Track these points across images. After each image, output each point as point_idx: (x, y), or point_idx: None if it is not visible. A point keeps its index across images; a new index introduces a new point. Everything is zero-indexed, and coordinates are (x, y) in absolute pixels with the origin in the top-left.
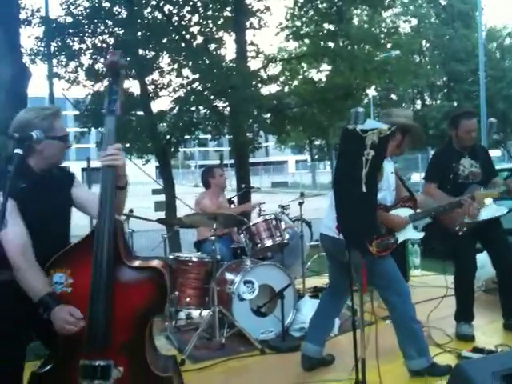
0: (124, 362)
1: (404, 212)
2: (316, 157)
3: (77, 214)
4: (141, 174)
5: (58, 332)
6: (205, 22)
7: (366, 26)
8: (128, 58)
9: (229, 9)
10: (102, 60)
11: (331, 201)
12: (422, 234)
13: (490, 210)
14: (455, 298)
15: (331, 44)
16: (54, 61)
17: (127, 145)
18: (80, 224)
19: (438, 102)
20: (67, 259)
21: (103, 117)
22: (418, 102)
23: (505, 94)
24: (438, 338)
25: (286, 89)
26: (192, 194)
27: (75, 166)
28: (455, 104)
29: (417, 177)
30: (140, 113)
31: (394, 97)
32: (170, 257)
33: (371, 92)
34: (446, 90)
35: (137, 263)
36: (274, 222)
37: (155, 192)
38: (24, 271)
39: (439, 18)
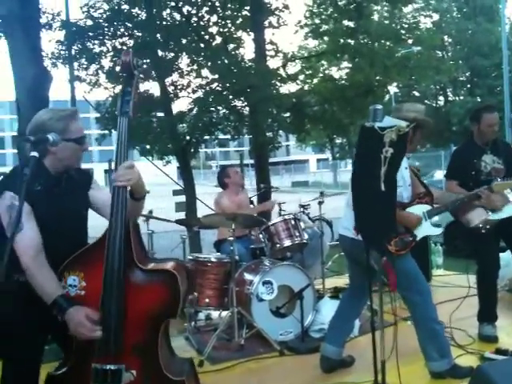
0: (137, 365)
1: (421, 208)
2: (337, 155)
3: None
4: (162, 174)
5: (72, 333)
6: (223, 22)
7: (386, 21)
8: (148, 60)
9: (247, 8)
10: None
11: (348, 200)
12: (439, 230)
13: None
14: (478, 298)
15: (351, 41)
16: (75, 64)
17: (148, 146)
18: (101, 225)
19: (461, 97)
20: (80, 262)
21: None
22: (441, 98)
23: None
24: (461, 338)
25: (306, 87)
26: (213, 194)
27: (98, 168)
28: (478, 99)
29: (440, 174)
30: (160, 114)
31: (416, 93)
32: (189, 257)
33: (392, 89)
34: (469, 86)
35: (150, 266)
36: (292, 221)
37: (176, 193)
38: (36, 274)
39: (461, 13)
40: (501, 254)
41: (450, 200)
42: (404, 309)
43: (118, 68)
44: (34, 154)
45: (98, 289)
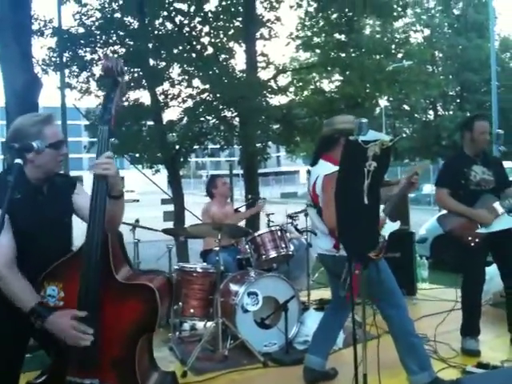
0: (113, 380)
1: None
2: None
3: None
4: (151, 183)
5: (61, 339)
6: (215, 33)
7: (377, 36)
8: (139, 69)
9: (239, 19)
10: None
11: (319, 219)
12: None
13: (503, 221)
14: (462, 312)
15: (342, 54)
16: (66, 71)
17: (137, 155)
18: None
19: (451, 112)
20: (60, 272)
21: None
22: (431, 112)
23: None
24: (444, 352)
25: (296, 99)
26: (202, 204)
27: (87, 176)
28: (468, 114)
29: (428, 188)
30: (150, 123)
31: (406, 107)
32: (175, 267)
33: (383, 102)
34: (458, 100)
35: (129, 279)
36: (279, 233)
37: (164, 202)
38: (12, 282)
39: (452, 28)
40: (486, 269)
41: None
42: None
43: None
44: (18, 161)
45: (75, 300)
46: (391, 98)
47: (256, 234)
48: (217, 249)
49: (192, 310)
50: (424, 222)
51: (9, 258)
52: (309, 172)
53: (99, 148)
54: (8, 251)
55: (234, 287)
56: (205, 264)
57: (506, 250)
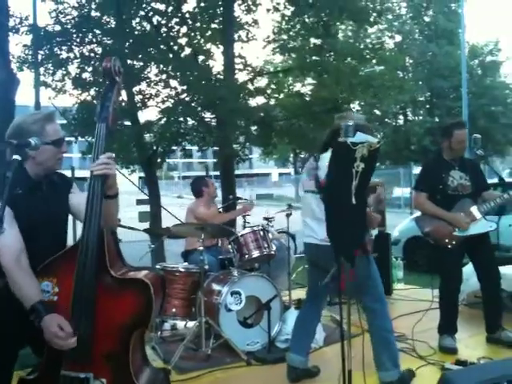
0: (107, 374)
1: None
2: (300, 170)
3: None
4: (126, 183)
5: (47, 342)
6: (193, 34)
7: (351, 40)
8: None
9: (217, 21)
10: (89, 69)
11: (313, 212)
12: None
13: (480, 225)
14: (439, 311)
15: (317, 58)
16: (41, 69)
17: (113, 155)
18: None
19: (421, 117)
20: (54, 267)
21: (90, 126)
22: (401, 117)
23: (486, 111)
24: (422, 350)
25: (273, 101)
26: (175, 206)
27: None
28: (437, 120)
29: (398, 191)
30: (127, 123)
31: (377, 111)
32: (157, 267)
33: (355, 106)
34: (428, 106)
35: (123, 274)
36: (261, 233)
37: (139, 202)
38: (17, 278)
39: (423, 35)
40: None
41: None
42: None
43: (86, 75)
44: (16, 157)
45: (70, 295)
46: (362, 103)
47: (239, 234)
48: (201, 248)
49: (174, 310)
50: (395, 225)
51: (16, 253)
52: (315, 159)
53: (96, 145)
54: (15, 245)
55: (216, 287)
56: (186, 264)
57: (482, 252)
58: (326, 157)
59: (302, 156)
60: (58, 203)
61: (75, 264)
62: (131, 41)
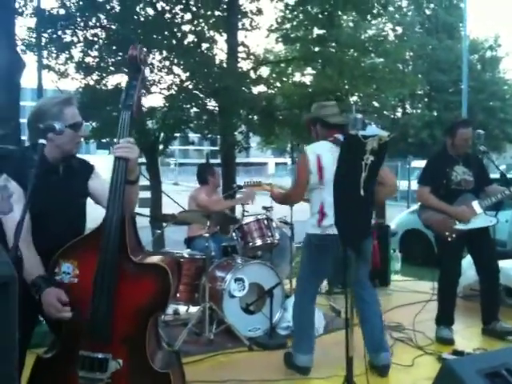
0: (123, 355)
1: None
2: (297, 160)
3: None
4: None
5: (46, 315)
6: (197, 21)
7: (351, 31)
8: (120, 53)
9: (221, 9)
10: (92, 54)
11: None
12: None
13: (480, 219)
14: (437, 302)
15: (321, 48)
16: (45, 52)
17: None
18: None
19: (419, 110)
20: (76, 250)
21: (93, 110)
22: (399, 110)
23: (485, 106)
24: (420, 340)
25: (274, 91)
26: (172, 192)
27: None
28: (435, 113)
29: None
30: None
31: (375, 103)
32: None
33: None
34: (426, 99)
35: (144, 259)
36: (265, 221)
37: (140, 188)
38: (22, 254)
39: (423, 28)
40: None
41: None
42: None
43: (89, 59)
44: (43, 141)
45: (90, 278)
46: (361, 94)
47: (243, 222)
48: (206, 235)
49: (177, 295)
50: (392, 217)
51: (24, 232)
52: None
53: (120, 132)
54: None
55: (220, 273)
56: (190, 250)
57: (481, 246)
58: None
59: (300, 146)
60: (74, 187)
61: (97, 247)
62: (134, 26)
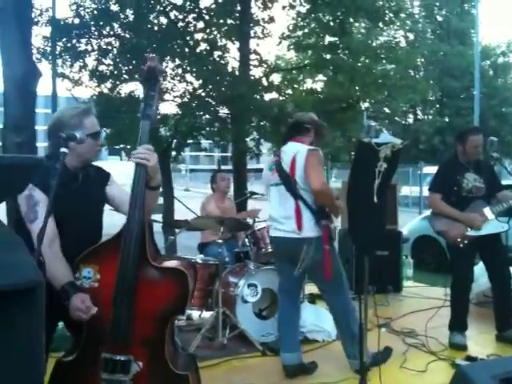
0: (144, 358)
1: None
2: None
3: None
4: (128, 176)
5: (72, 317)
6: (209, 30)
7: (362, 38)
8: (134, 61)
9: (233, 17)
10: (106, 62)
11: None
12: None
13: (492, 225)
14: (450, 308)
15: (333, 56)
16: (59, 61)
17: (128, 146)
18: (113, 223)
19: (430, 117)
20: (96, 255)
21: (106, 119)
22: (410, 116)
23: (497, 112)
24: (433, 346)
25: (286, 98)
26: (183, 198)
27: None
28: (447, 119)
29: (406, 190)
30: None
31: (386, 110)
32: (167, 256)
33: (364, 104)
34: (438, 106)
35: (162, 264)
36: None
37: None
38: (49, 261)
39: (435, 34)
40: None
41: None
42: (376, 316)
43: (103, 68)
44: (64, 150)
45: (111, 282)
46: (373, 101)
47: (256, 229)
48: (220, 241)
49: (191, 300)
50: (403, 223)
51: (50, 237)
52: (276, 154)
53: (140, 140)
54: (49, 231)
55: (233, 279)
56: (202, 256)
57: (494, 252)
58: (287, 150)
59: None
60: (93, 195)
61: (117, 252)
62: (148, 35)
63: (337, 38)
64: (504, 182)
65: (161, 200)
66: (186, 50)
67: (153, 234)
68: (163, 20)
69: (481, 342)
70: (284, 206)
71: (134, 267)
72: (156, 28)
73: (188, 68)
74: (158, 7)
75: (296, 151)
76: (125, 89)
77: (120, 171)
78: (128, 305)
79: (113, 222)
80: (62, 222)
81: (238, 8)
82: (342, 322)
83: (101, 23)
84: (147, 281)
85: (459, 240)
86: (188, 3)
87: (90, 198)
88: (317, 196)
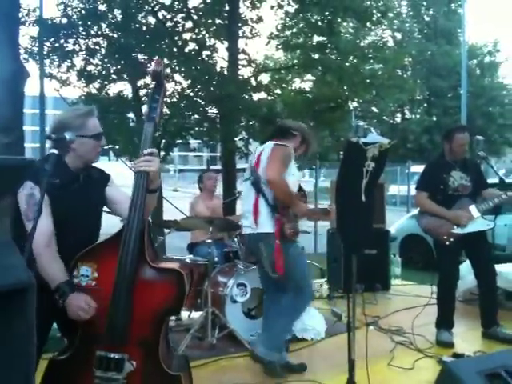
0: (138, 357)
1: None
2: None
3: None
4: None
5: (70, 317)
6: (198, 29)
7: (350, 38)
8: (122, 61)
9: (222, 17)
10: (94, 62)
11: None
12: None
13: (478, 223)
14: (437, 306)
15: (321, 55)
16: (47, 61)
17: (117, 147)
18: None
19: (418, 116)
20: (95, 254)
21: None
22: (398, 115)
23: (483, 111)
24: (420, 343)
25: (275, 98)
26: (171, 198)
27: None
28: (434, 119)
29: (394, 189)
30: (131, 116)
31: (374, 109)
32: (164, 258)
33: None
34: (425, 105)
35: (160, 264)
36: None
37: None
38: (46, 261)
39: (422, 34)
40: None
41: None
42: (365, 315)
43: (91, 68)
44: (54, 151)
45: (108, 281)
46: (361, 100)
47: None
48: (209, 241)
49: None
50: (391, 222)
51: (47, 238)
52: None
53: (143, 143)
54: (47, 231)
55: (222, 279)
56: (191, 256)
57: (479, 250)
58: (261, 147)
59: None
60: (94, 196)
61: (116, 252)
62: (136, 34)
63: (325, 38)
64: (490, 181)
65: None
66: (175, 49)
67: (150, 235)
68: (151, 20)
69: (467, 338)
70: (248, 200)
71: (132, 267)
72: (144, 28)
73: (176, 68)
74: (146, 7)
75: (263, 148)
76: (113, 89)
77: (108, 171)
78: (126, 304)
79: (113, 222)
80: (61, 221)
81: (227, 8)
82: (272, 321)
83: (89, 23)
84: (145, 281)
85: (445, 238)
86: (176, 3)
87: (90, 198)
88: (270, 186)
